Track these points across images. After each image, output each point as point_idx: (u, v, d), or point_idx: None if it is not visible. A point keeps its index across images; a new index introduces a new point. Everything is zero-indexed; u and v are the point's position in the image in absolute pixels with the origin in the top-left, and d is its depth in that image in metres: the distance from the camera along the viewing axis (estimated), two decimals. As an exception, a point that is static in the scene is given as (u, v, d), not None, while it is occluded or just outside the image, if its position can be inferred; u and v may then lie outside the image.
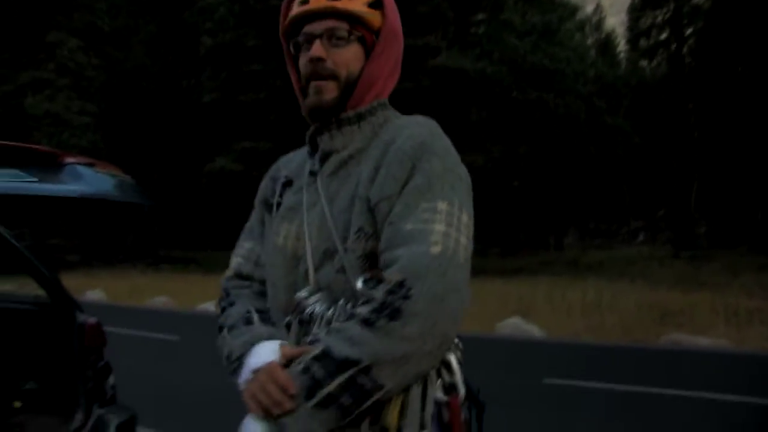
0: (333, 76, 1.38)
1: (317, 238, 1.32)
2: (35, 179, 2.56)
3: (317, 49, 1.38)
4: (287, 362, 1.21)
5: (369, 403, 1.15)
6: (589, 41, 36.73)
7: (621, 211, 35.96)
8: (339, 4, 1.38)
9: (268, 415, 1.17)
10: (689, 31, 30.24)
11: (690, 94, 28.37)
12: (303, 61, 1.42)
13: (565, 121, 23.80)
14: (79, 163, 2.75)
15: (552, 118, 23.61)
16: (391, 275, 1.17)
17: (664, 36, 31.40)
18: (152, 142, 30.12)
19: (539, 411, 5.97)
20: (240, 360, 1.30)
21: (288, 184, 1.48)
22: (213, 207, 29.57)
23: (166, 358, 8.34)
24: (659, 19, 31.24)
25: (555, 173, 25.02)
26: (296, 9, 1.42)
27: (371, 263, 1.26)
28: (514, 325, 11.43)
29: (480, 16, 26.97)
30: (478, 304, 13.94)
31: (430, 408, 1.24)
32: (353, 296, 1.24)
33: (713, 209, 29.92)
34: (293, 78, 1.49)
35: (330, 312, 1.26)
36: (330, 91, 1.38)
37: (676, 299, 13.46)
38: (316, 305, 1.28)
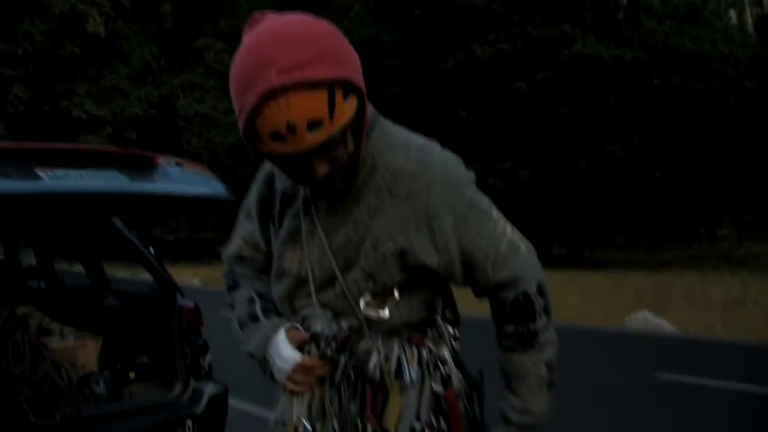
0: (337, 170, 1.29)
1: (318, 268, 1.39)
2: (129, 179, 2.92)
3: (321, 169, 1.25)
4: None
5: None
6: (749, 20, 34.17)
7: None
8: (323, 134, 1.19)
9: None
10: None
11: None
12: (291, 163, 1.27)
13: (711, 106, 22.43)
14: (170, 165, 3.10)
15: (697, 103, 22.32)
16: (531, 287, 1.37)
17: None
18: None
19: (649, 406, 5.84)
20: (263, 360, 1.46)
21: (286, 200, 1.46)
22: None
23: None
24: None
25: (702, 162, 23.62)
26: (270, 145, 1.21)
27: (372, 293, 1.37)
28: (643, 319, 11.05)
29: (618, 1, 25.94)
30: (612, 298, 13.60)
31: (426, 400, 1.38)
32: (353, 314, 1.37)
33: None
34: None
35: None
36: (337, 179, 1.32)
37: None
38: (318, 323, 1.40)
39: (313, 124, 1.17)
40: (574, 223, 26.44)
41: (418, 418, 1.36)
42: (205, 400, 3.44)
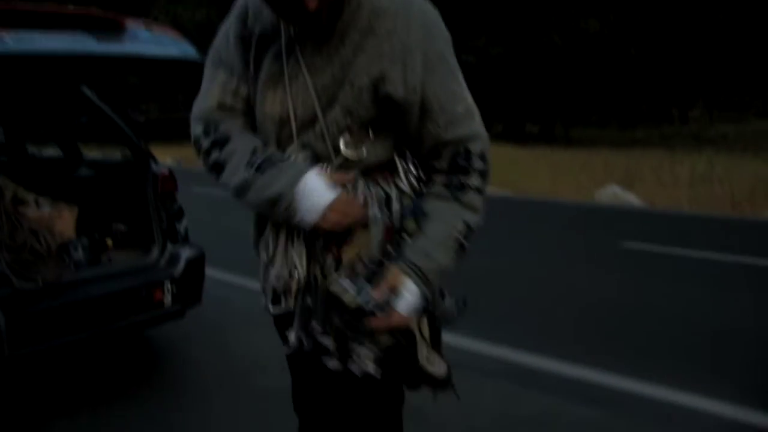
0: (324, 7, 1.29)
1: (300, 108, 1.40)
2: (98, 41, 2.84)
3: (311, 2, 1.26)
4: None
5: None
6: None
7: (756, 82, 33.36)
8: None
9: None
10: None
11: None
12: None
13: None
14: (139, 27, 3.01)
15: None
16: (476, 147, 1.40)
17: None
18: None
19: (616, 273, 6.08)
20: (291, 201, 1.37)
21: (263, 42, 1.42)
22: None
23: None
24: None
25: (677, 42, 23.36)
26: None
27: (348, 130, 1.39)
28: (612, 194, 11.30)
29: None
30: (581, 173, 13.81)
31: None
32: (335, 154, 1.39)
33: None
34: None
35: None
36: (323, 15, 1.31)
37: (798, 174, 12.69)
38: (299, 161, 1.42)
39: None
40: (547, 100, 26.36)
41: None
42: (182, 263, 3.52)
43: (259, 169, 1.39)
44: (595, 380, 3.57)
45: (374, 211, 1.40)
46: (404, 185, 1.44)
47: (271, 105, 1.42)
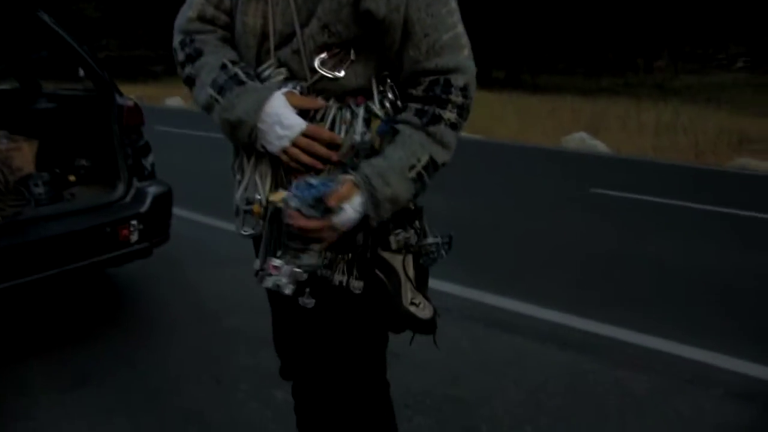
0: None
1: (280, 22, 1.32)
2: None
3: None
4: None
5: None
6: None
7: (720, 35, 33.55)
8: None
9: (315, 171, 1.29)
10: None
11: None
12: None
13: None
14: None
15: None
16: (457, 80, 1.29)
17: None
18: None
19: (584, 216, 6.11)
20: (252, 128, 1.30)
21: None
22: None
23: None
24: None
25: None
26: None
27: (326, 48, 1.29)
28: (579, 140, 11.34)
29: None
30: (548, 120, 13.83)
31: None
32: (311, 74, 1.30)
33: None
34: None
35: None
36: None
37: (759, 126, 12.88)
38: (274, 78, 1.34)
39: None
40: (513, 46, 26.19)
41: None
42: (149, 200, 3.39)
43: (222, 90, 1.32)
44: (568, 323, 3.58)
45: (344, 139, 1.31)
46: (377, 109, 1.33)
47: (253, 16, 1.34)
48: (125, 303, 3.84)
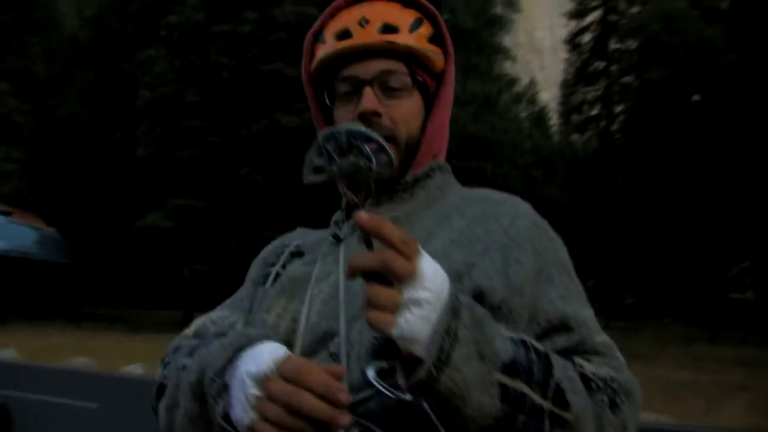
0: (390, 138, 1.06)
1: (317, 315, 0.98)
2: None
3: (370, 100, 1.06)
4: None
5: None
6: (524, 114, 37.70)
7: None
8: (397, 38, 1.07)
9: None
10: (619, 108, 31.36)
11: (619, 169, 29.21)
12: (345, 115, 1.09)
13: (502, 190, 24.13)
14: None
15: (489, 187, 23.86)
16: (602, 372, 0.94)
17: (594, 112, 32.45)
18: (81, 193, 29.13)
19: None
20: (223, 378, 0.85)
21: (298, 254, 1.16)
22: (142, 264, 28.56)
23: (80, 429, 7.70)
24: (590, 95, 32.36)
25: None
26: (333, 44, 1.08)
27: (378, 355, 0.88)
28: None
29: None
30: None
31: None
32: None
33: (640, 280, 30.52)
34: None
35: None
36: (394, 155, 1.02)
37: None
38: None
39: (389, 28, 1.07)
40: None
41: None
42: None
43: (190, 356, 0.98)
44: None
45: None
46: None
47: (277, 316, 1.03)
48: None
